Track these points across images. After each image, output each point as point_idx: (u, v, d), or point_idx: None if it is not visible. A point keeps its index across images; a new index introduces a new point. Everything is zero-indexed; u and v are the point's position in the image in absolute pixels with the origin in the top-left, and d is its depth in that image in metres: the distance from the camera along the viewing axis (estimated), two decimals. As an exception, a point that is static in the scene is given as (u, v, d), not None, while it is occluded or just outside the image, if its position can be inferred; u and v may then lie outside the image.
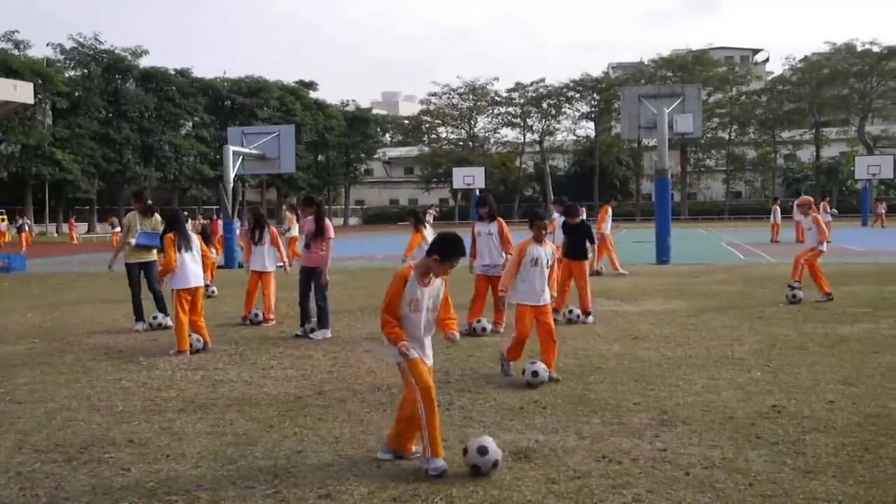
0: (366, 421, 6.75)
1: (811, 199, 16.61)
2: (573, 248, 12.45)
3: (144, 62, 67.64)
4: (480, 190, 54.12)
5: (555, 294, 8.77)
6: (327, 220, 11.37)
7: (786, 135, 78.93)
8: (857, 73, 74.34)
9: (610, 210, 20.70)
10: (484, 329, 10.91)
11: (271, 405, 7.33)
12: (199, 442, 6.22)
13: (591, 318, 11.98)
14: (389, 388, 7.91)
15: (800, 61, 78.02)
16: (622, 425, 6.46)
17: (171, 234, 10.17)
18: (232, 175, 25.69)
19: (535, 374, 7.77)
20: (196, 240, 10.52)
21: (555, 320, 11.43)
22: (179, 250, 10.03)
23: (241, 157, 26.70)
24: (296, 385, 8.17)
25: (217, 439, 6.28)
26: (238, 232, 25.96)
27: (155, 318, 12.17)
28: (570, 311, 12.00)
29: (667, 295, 15.22)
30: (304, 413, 7.03)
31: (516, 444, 5.97)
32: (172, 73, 68.39)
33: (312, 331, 11.08)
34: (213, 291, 16.26)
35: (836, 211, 47.58)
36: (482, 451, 5.25)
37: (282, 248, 12.95)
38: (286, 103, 72.20)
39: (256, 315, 12.51)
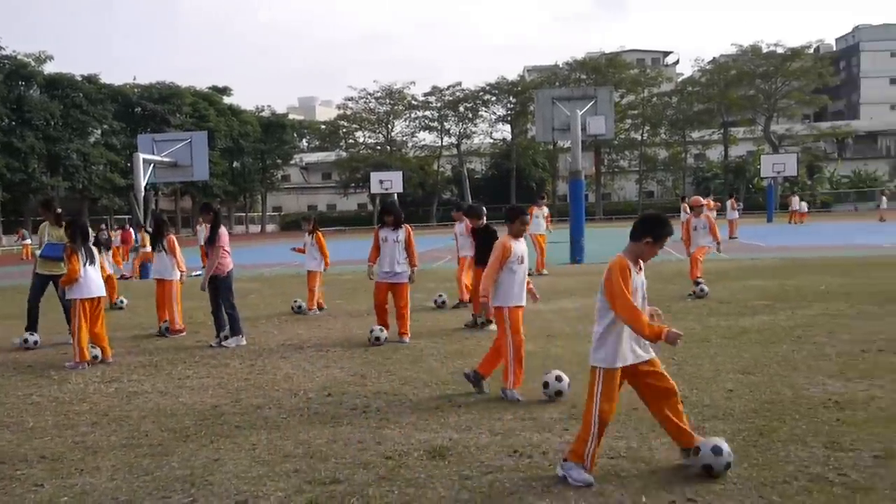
0: (283, 426, 6.82)
1: (702, 199, 17.20)
2: (484, 253, 12.20)
3: (49, 68, 65.76)
4: (398, 195, 54.35)
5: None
6: (222, 229, 11.26)
7: (696, 135, 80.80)
8: (763, 74, 76.59)
9: (537, 210, 20.98)
10: (382, 338, 10.66)
11: (187, 415, 7.33)
12: (114, 455, 6.20)
13: (493, 326, 11.76)
14: (306, 393, 8.00)
15: (708, 63, 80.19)
16: (533, 420, 6.67)
17: (72, 244, 9.97)
18: (143, 183, 25.26)
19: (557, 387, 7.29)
20: (96, 251, 10.42)
21: (476, 324, 11.69)
22: (84, 263, 9.89)
23: (152, 165, 26.26)
24: (212, 394, 8.17)
25: (132, 451, 6.27)
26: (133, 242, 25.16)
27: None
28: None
29: (581, 293, 15.55)
30: (220, 421, 7.05)
31: (431, 443, 6.12)
32: (79, 79, 66.47)
33: (226, 338, 11.04)
34: (121, 302, 16.02)
35: (741, 207, 49.19)
36: (717, 451, 5.10)
37: (179, 256, 12.55)
38: (199, 109, 71.03)
39: (165, 323, 12.35)
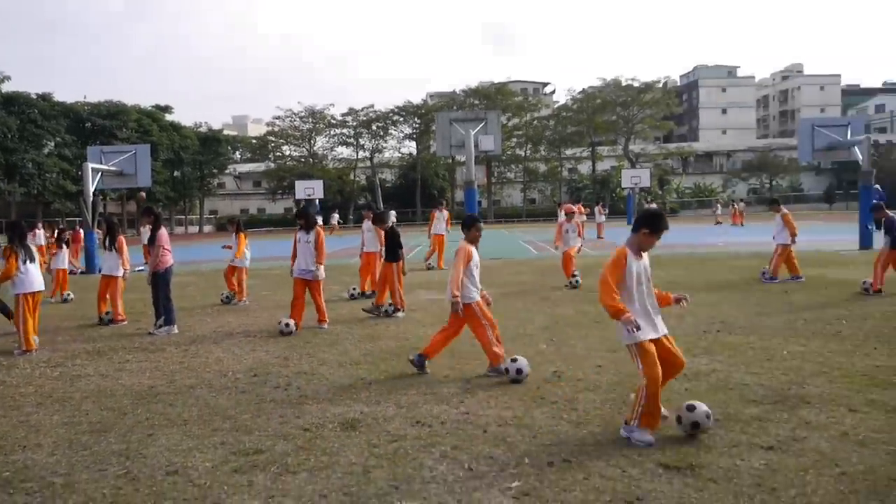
0: (212, 404, 6.51)
1: (573, 207, 17.52)
2: (389, 252, 11.93)
3: (6, 87, 62.39)
4: (320, 200, 53.52)
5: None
6: (162, 230, 10.79)
7: (569, 152, 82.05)
8: (623, 103, 78.27)
9: (438, 214, 20.88)
10: (286, 330, 10.04)
11: (125, 395, 6.94)
12: (56, 432, 5.80)
13: (401, 314, 11.49)
14: (234, 374, 7.68)
15: (579, 93, 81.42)
16: (434, 395, 6.55)
17: (10, 245, 9.36)
18: (91, 190, 24.13)
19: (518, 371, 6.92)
20: (35, 250, 9.82)
21: (379, 314, 11.46)
22: (24, 261, 9.30)
23: (100, 174, 25.11)
24: (149, 376, 7.77)
25: (72, 429, 5.88)
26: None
27: None
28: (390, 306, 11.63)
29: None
30: (155, 400, 6.70)
31: (344, 416, 5.94)
32: (34, 97, 63.29)
33: (160, 327, 10.56)
34: (68, 295, 15.21)
35: (607, 212, 50.22)
36: (690, 407, 5.10)
37: (125, 256, 11.94)
38: (144, 125, 68.39)
39: (108, 314, 11.76)
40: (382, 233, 12.41)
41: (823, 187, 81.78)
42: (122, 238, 11.95)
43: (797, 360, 7.38)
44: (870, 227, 22.85)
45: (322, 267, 10.51)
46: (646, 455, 4.79)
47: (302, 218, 10.78)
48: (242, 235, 14.08)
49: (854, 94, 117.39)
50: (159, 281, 10.64)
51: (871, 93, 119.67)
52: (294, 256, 10.70)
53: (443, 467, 4.72)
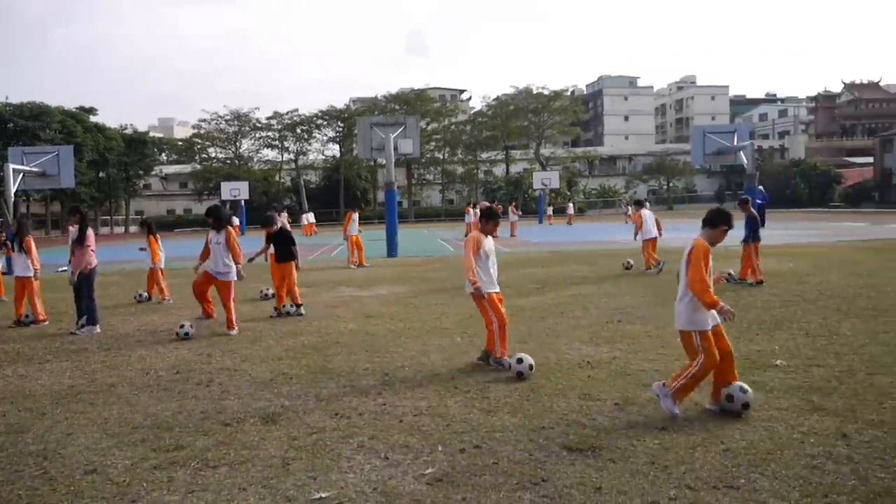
0: (133, 401, 6.26)
1: (639, 200, 17.81)
2: (281, 253, 11.34)
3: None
4: (245, 201, 52.39)
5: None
6: (89, 230, 10.31)
7: (484, 155, 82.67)
8: (534, 110, 79.36)
9: (354, 216, 20.60)
10: (183, 334, 9.28)
11: (45, 395, 6.61)
12: (-29, 434, 5.48)
13: (302, 310, 11.01)
14: (157, 371, 7.42)
15: (493, 100, 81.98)
16: (353, 387, 6.48)
17: None
18: (12, 190, 22.95)
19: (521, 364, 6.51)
20: None
21: (286, 312, 10.99)
22: None
23: (21, 175, 23.88)
24: (69, 375, 7.41)
25: (-11, 430, 5.57)
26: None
27: None
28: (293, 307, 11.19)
29: (394, 281, 15.49)
30: (76, 400, 6.40)
31: (265, 410, 5.81)
32: (-48, 98, 59.84)
33: (82, 327, 10.11)
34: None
35: (521, 213, 50.89)
36: (743, 390, 5.19)
37: (34, 256, 11.19)
38: (68, 126, 65.22)
39: (27, 316, 11.18)
40: (265, 235, 11.70)
41: (714, 188, 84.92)
42: (29, 238, 11.25)
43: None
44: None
45: (238, 267, 9.84)
46: (550, 439, 4.86)
47: (209, 216, 10.12)
48: (153, 238, 13.58)
49: (741, 104, 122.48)
50: (83, 281, 10.19)
51: (755, 103, 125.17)
52: (203, 256, 10.24)
53: (360, 457, 4.67)
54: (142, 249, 14.02)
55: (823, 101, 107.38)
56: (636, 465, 4.36)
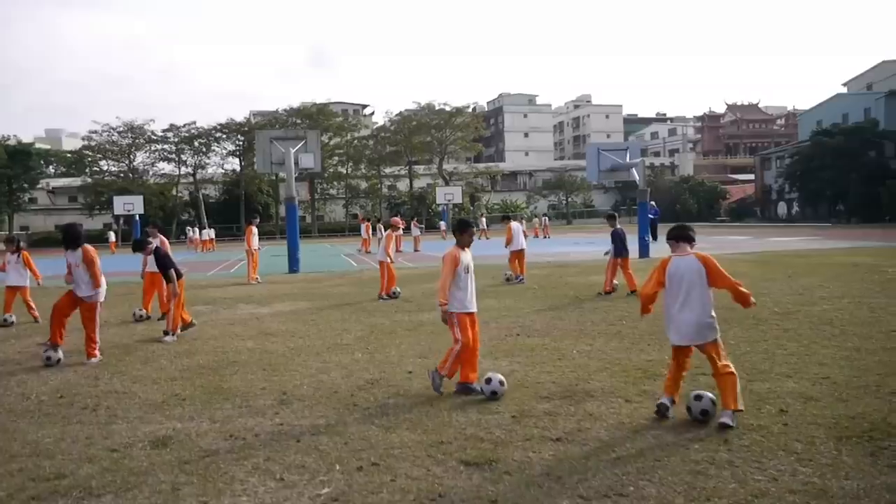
0: (11, 429, 5.84)
1: (399, 220, 17.66)
2: (166, 273, 10.36)
3: None
4: (140, 215, 50.34)
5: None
6: None
7: (388, 170, 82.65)
8: (436, 126, 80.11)
9: (254, 229, 20.10)
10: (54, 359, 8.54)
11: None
12: None
13: (175, 337, 10.15)
14: (38, 396, 6.99)
15: (396, 115, 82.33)
16: (249, 408, 6.30)
17: None
18: None
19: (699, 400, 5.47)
20: None
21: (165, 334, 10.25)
22: None
23: None
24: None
25: None
26: None
27: None
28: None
29: (295, 297, 15.22)
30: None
31: (155, 434, 5.57)
32: None
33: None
34: None
35: (423, 227, 51.16)
36: (697, 397, 5.39)
37: None
38: (-58, 137, 61.54)
39: None
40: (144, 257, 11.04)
41: (611, 203, 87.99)
42: None
43: (584, 358, 7.83)
44: (647, 238, 24.85)
45: (100, 290, 8.83)
46: (448, 454, 4.87)
47: (62, 234, 9.06)
48: (26, 254, 12.86)
49: (633, 122, 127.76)
50: None
51: (647, 122, 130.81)
52: (68, 279, 9.02)
53: (254, 479, 4.54)
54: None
55: (709, 121, 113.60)
56: (531, 476, 4.43)
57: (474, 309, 6.80)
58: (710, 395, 5.43)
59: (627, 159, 26.45)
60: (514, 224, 17.63)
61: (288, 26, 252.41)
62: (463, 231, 6.91)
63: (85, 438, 5.54)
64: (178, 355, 8.96)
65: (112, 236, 50.25)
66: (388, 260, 14.68)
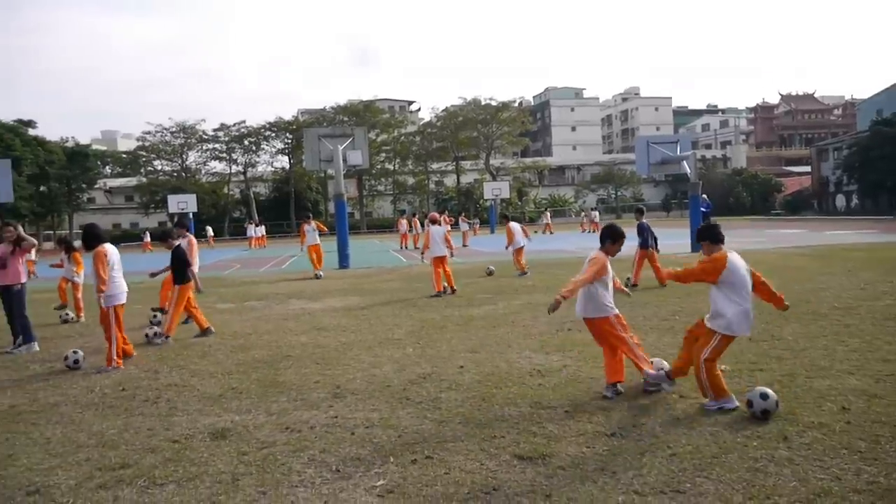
0: (77, 420, 6.10)
1: (436, 215, 17.97)
2: (175, 274, 10.33)
3: None
4: (194, 214, 51.40)
5: None
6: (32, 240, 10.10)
7: (435, 166, 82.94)
8: (483, 121, 79.99)
9: (307, 227, 20.60)
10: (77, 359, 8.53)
11: (-17, 415, 6.40)
12: None
13: (171, 340, 9.93)
14: (102, 389, 7.23)
15: (442, 111, 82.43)
16: (304, 401, 6.42)
17: None
18: (-53, 205, 22.17)
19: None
20: None
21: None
22: None
23: (-45, 189, 23.06)
24: (10, 395, 7.17)
25: (-76, 454, 5.35)
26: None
27: None
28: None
29: (346, 293, 15.40)
30: (17, 420, 6.21)
31: (214, 426, 5.71)
32: None
33: (19, 346, 9.78)
34: None
35: (475, 221, 51.20)
36: (763, 395, 5.24)
37: None
38: (6, 140, 63.24)
39: None
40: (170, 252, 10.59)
41: (661, 197, 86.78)
42: None
43: (637, 354, 7.74)
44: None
45: (107, 294, 8.34)
46: (501, 448, 4.89)
47: (62, 245, 8.85)
48: (77, 254, 13.27)
49: (684, 115, 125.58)
50: (13, 298, 9.85)
51: (697, 113, 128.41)
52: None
53: (311, 471, 4.63)
54: (53, 266, 13.75)
55: (762, 112, 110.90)
56: (585, 471, 4.42)
57: (616, 311, 6.32)
58: (775, 395, 5.32)
59: (678, 152, 26.02)
60: (513, 224, 18.31)
61: (333, 24, 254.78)
62: (616, 240, 6.42)
63: (147, 430, 5.71)
64: (233, 350, 9.16)
65: (147, 236, 51.29)
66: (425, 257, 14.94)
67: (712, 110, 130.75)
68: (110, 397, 6.90)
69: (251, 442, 5.27)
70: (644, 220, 14.38)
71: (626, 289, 6.84)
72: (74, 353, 8.49)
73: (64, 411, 6.43)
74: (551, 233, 46.28)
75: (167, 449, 5.19)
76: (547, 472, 4.42)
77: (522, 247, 17.96)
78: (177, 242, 10.67)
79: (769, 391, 5.33)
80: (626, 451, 4.72)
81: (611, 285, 6.31)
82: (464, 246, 33.56)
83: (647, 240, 13.99)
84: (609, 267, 6.29)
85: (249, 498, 4.23)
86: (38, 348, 9.77)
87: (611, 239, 6.40)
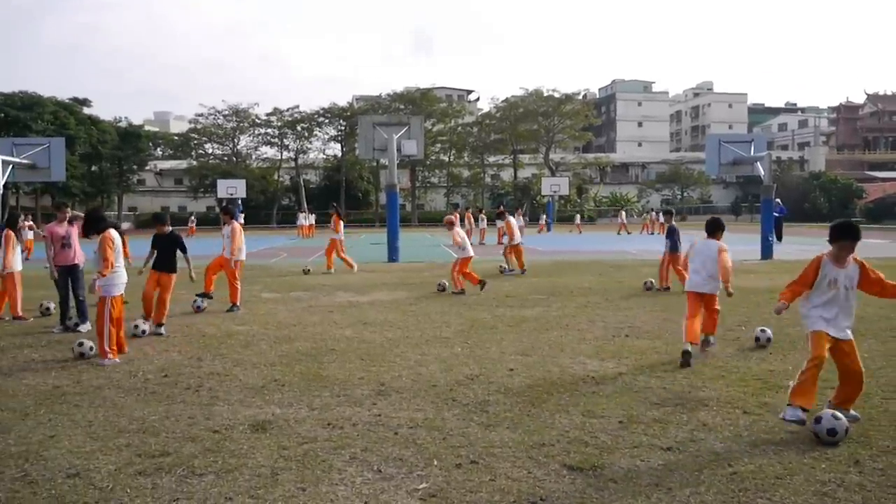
0: (119, 404, 6.28)
1: (503, 209, 18.15)
2: (161, 260, 10.25)
3: None
4: (242, 199, 52.42)
5: None
6: (49, 226, 10.49)
7: (492, 159, 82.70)
8: (544, 113, 79.38)
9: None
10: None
11: (28, 395, 6.63)
12: (-50, 434, 5.51)
13: (163, 330, 9.90)
14: (145, 374, 7.43)
15: (502, 102, 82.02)
16: (347, 397, 6.48)
17: None
18: (1, 182, 23.03)
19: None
20: None
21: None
22: None
23: (10, 167, 23.97)
24: (55, 375, 7.44)
25: (-31, 430, 5.59)
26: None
27: None
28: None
29: (393, 287, 15.50)
30: (60, 401, 6.42)
31: (255, 418, 5.81)
32: (-59, 85, 60.27)
33: (76, 325, 10.15)
34: None
35: (527, 219, 51.00)
36: (836, 416, 5.11)
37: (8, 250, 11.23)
38: (60, 118, 65.38)
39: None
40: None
41: (731, 199, 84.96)
42: (7, 233, 11.36)
43: (698, 364, 7.60)
44: (770, 238, 23.85)
45: (105, 281, 8.15)
46: (550, 456, 4.85)
47: (86, 220, 8.69)
48: (125, 238, 13.63)
49: (759, 113, 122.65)
50: (70, 277, 10.34)
51: (774, 112, 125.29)
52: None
53: (352, 469, 4.67)
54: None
55: (845, 112, 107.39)
56: (639, 486, 4.36)
57: (836, 333, 5.52)
58: (845, 417, 5.17)
59: (752, 152, 25.43)
60: (512, 219, 19.46)
61: (392, 9, 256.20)
62: (721, 230, 6.35)
63: (188, 418, 5.84)
64: (277, 340, 9.31)
65: (192, 221, 52.28)
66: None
67: (791, 109, 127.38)
68: (152, 383, 7.09)
69: (292, 436, 5.35)
70: (673, 223, 14.86)
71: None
72: (80, 344, 8.32)
73: (107, 395, 6.63)
74: (628, 233, 45.68)
75: (207, 439, 5.30)
76: (598, 485, 4.37)
77: (520, 244, 18.73)
78: (169, 228, 10.46)
79: (840, 412, 5.18)
80: (683, 467, 4.64)
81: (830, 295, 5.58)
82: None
83: (676, 243, 14.28)
84: (829, 273, 5.57)
85: (288, 493, 4.30)
86: (88, 328, 10.10)
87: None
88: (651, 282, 14.49)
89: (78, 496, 4.29)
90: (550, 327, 10.08)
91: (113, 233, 8.41)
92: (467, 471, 4.63)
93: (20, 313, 11.31)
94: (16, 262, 11.42)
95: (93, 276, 8.24)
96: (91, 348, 8.24)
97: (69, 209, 11.01)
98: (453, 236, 15.28)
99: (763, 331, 8.67)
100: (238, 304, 12.11)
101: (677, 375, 7.13)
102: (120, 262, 8.44)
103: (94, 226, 8.51)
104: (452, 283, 14.53)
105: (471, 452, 4.95)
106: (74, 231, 10.47)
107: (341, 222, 20.35)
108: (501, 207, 26.68)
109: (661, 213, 49.80)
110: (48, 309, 11.95)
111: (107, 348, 8.01)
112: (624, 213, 52.39)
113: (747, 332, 9.44)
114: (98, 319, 8.20)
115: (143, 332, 9.62)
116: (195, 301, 11.98)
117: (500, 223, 26.99)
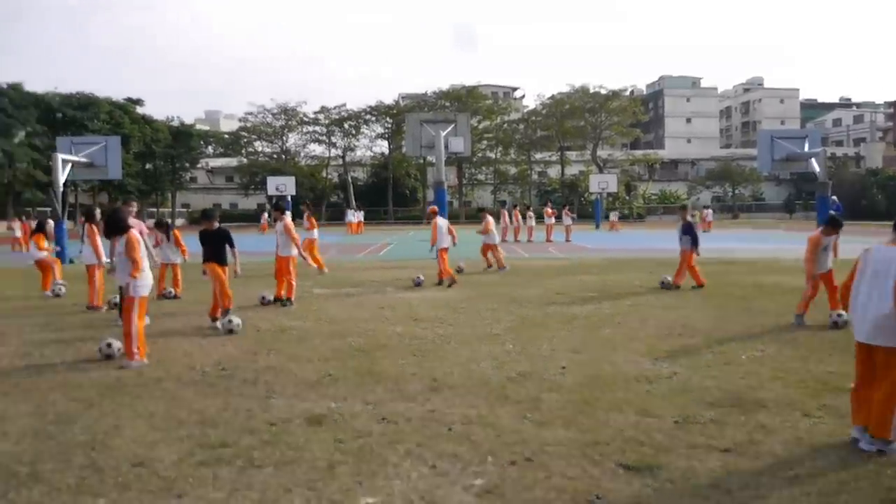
0: (179, 397, 6.42)
1: (485, 210, 18.95)
2: (211, 253, 10.33)
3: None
4: (292, 196, 53.02)
5: None
6: (88, 227, 10.92)
7: (539, 156, 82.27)
8: (590, 110, 78.56)
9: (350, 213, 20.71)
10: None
11: (93, 387, 6.82)
12: (22, 422, 5.70)
13: (219, 324, 9.99)
14: (202, 368, 7.58)
15: (548, 98, 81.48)
16: (400, 392, 6.52)
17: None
18: (62, 180, 23.73)
19: None
20: None
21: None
22: None
23: (69, 165, 24.68)
24: (117, 367, 7.64)
25: (39, 419, 5.78)
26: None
27: None
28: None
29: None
30: (123, 392, 6.59)
31: (311, 411, 5.89)
32: (4, 86, 61.89)
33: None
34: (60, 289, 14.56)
35: (575, 216, 50.58)
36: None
37: (95, 244, 11.67)
38: (115, 117, 67.07)
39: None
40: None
41: (784, 197, 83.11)
42: (90, 227, 11.85)
43: (754, 365, 7.47)
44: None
45: (136, 282, 8.01)
46: (606, 455, 4.82)
47: (161, 227, 8.45)
48: (176, 233, 13.93)
49: (812, 108, 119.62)
50: None
51: (828, 107, 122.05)
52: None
53: (407, 464, 4.70)
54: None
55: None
56: (697, 486, 4.30)
57: (862, 338, 5.09)
58: None
59: (805, 148, 24.87)
60: (491, 218, 19.82)
61: (438, 6, 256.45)
62: (838, 228, 6.01)
63: (246, 410, 5.95)
64: (330, 336, 9.40)
65: (264, 217, 52.96)
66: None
67: (845, 104, 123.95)
68: (211, 376, 7.23)
69: (347, 430, 5.40)
70: (689, 219, 15.03)
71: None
72: (108, 345, 8.11)
73: (167, 387, 6.78)
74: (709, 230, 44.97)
75: (265, 431, 5.38)
76: (655, 485, 4.33)
77: (496, 244, 19.20)
78: (217, 224, 10.62)
79: None
80: (743, 470, 4.56)
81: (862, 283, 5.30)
82: (567, 241, 33.16)
83: (695, 238, 14.43)
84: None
85: (345, 486, 4.34)
86: (148, 321, 10.31)
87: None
88: (667, 279, 14.52)
89: (143, 484, 4.40)
90: (602, 325, 10.00)
91: (136, 234, 8.30)
92: (522, 468, 4.62)
93: (97, 303, 11.83)
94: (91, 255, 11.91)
95: (125, 280, 8.10)
96: (119, 349, 8.05)
97: (135, 204, 11.37)
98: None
99: (840, 315, 8.86)
100: (292, 299, 12.29)
101: (732, 376, 7.00)
102: (146, 263, 8.30)
103: (115, 227, 8.30)
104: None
105: (525, 450, 4.94)
106: (143, 226, 10.78)
107: (315, 221, 20.26)
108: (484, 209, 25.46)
109: (708, 210, 49.19)
110: (115, 304, 12.20)
111: (134, 349, 7.84)
112: (701, 211, 51.27)
113: (805, 332, 9.23)
114: (125, 321, 8.02)
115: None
116: (264, 298, 12.51)
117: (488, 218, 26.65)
